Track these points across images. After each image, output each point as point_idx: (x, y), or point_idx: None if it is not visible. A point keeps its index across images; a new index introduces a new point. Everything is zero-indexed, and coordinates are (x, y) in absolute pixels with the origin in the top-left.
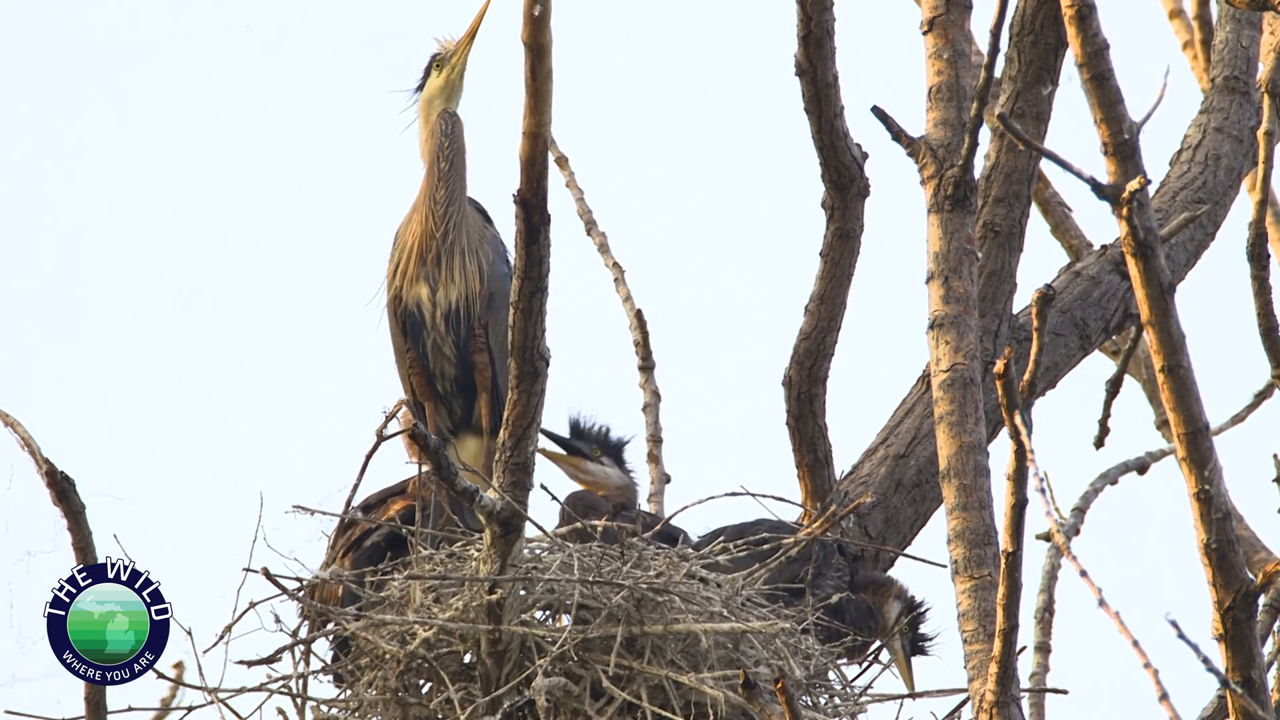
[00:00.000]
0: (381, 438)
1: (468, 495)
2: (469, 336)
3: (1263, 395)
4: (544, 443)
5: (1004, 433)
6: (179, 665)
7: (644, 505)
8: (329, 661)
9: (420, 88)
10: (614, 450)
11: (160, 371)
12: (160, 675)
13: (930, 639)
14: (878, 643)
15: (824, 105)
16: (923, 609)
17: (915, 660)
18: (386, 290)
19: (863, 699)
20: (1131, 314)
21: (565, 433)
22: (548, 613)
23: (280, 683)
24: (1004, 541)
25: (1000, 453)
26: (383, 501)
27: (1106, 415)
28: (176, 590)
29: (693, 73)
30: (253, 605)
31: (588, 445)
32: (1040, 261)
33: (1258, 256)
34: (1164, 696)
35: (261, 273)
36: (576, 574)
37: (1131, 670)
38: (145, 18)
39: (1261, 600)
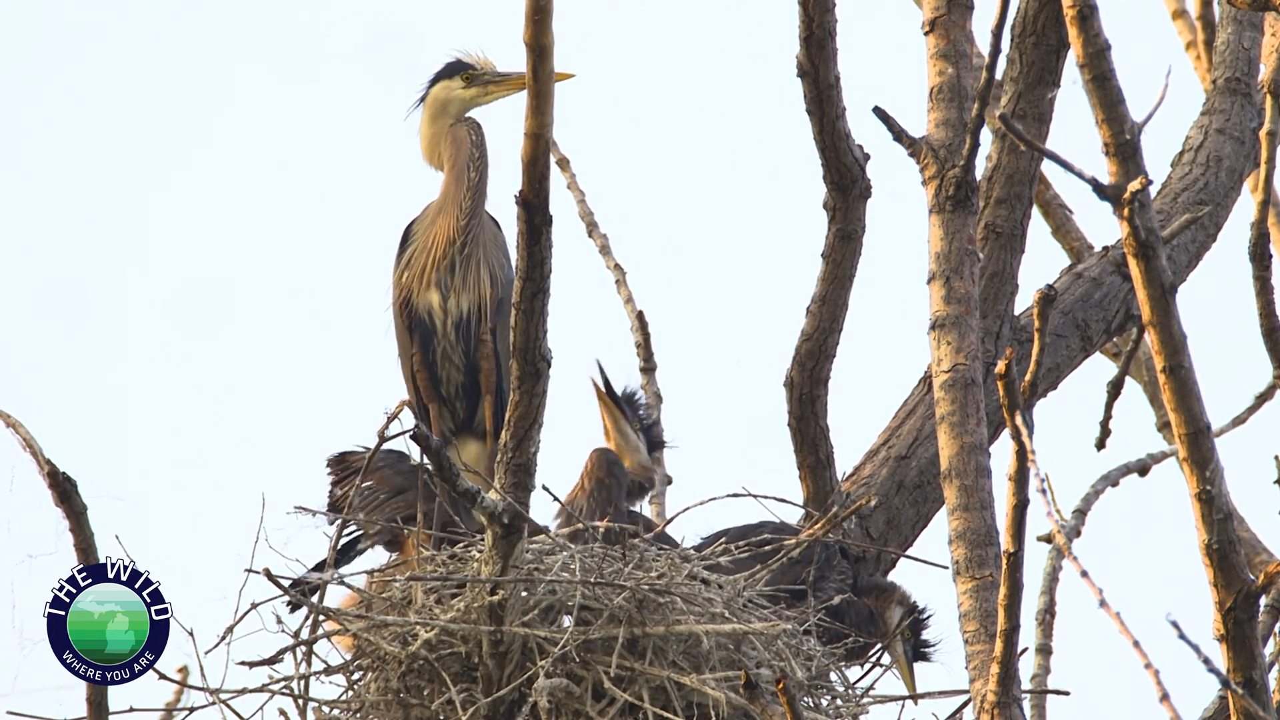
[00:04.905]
0: (383, 438)
1: (469, 496)
2: (476, 342)
3: (1264, 397)
4: (599, 380)
5: (1005, 434)
6: (183, 669)
7: (646, 507)
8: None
9: (433, 83)
10: (654, 441)
11: (162, 372)
12: (162, 676)
13: (933, 645)
14: (879, 645)
15: (826, 106)
16: (925, 615)
17: (917, 665)
18: (392, 290)
19: (864, 700)
20: (1133, 315)
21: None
22: (549, 614)
23: (282, 683)
24: (1005, 542)
25: (1001, 453)
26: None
27: (1108, 417)
28: (178, 591)
29: (694, 74)
30: (254, 606)
31: (633, 414)
32: (1041, 263)
33: (1260, 257)
34: (1165, 697)
35: (264, 273)
36: (578, 575)
37: (1133, 671)
38: (150, 16)
39: (1263, 601)
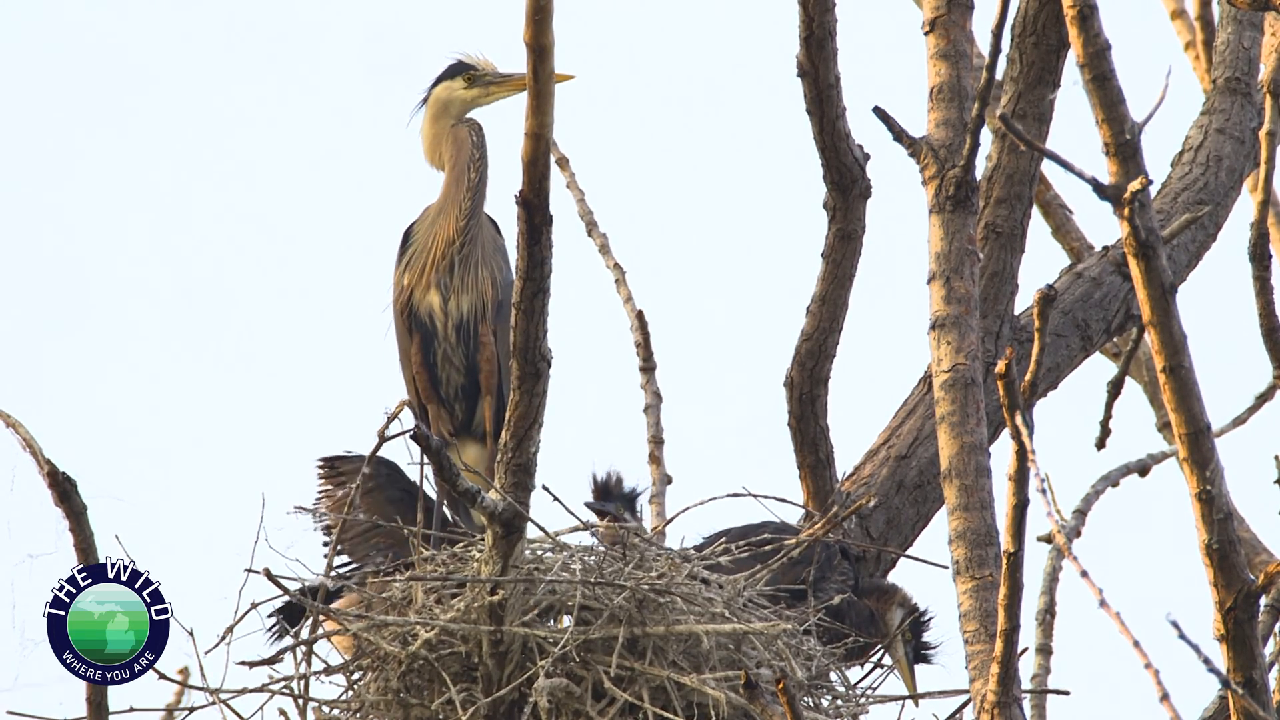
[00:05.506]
0: (383, 438)
1: (469, 496)
2: (476, 343)
3: (1264, 397)
4: (594, 518)
5: (1005, 433)
6: (183, 670)
7: (646, 507)
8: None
9: (435, 84)
10: (630, 503)
11: (162, 372)
12: (162, 676)
13: (934, 647)
14: (879, 646)
15: (826, 106)
16: (926, 617)
17: (917, 666)
18: (393, 292)
19: (864, 700)
20: (1133, 315)
21: (591, 490)
22: (549, 613)
23: (282, 683)
24: (1005, 542)
25: (1001, 453)
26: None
27: (1108, 417)
28: (178, 591)
29: (694, 74)
30: (254, 606)
31: (614, 505)
32: (1042, 263)
33: (1259, 257)
34: (1165, 697)
35: (264, 273)
36: (578, 575)
37: (1133, 671)
38: (150, 17)
39: (1263, 601)
